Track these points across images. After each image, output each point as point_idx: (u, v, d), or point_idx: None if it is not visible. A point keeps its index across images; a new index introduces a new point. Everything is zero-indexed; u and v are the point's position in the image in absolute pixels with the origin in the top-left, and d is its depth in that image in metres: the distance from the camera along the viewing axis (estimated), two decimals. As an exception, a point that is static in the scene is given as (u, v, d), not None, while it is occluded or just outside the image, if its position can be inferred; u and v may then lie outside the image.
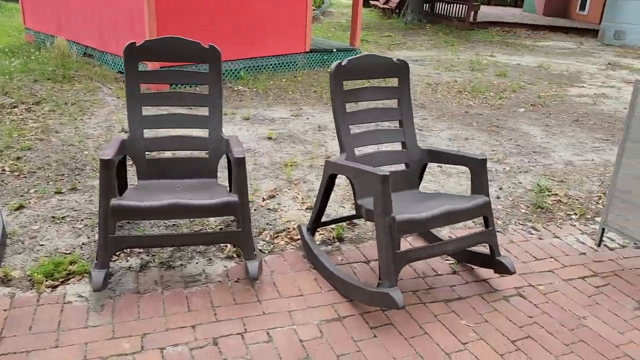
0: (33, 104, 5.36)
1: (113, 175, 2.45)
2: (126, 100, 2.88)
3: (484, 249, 2.86)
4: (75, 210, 3.34)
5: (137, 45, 2.82)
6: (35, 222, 3.17)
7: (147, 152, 2.92)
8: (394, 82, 3.05)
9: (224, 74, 6.90)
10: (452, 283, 2.83)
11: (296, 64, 7.97)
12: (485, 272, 2.91)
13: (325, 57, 8.34)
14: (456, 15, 15.85)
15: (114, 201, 2.43)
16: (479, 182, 2.72)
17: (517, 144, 5.24)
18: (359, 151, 2.92)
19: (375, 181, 2.39)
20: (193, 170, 2.99)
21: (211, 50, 2.92)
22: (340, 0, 23.53)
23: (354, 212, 3.43)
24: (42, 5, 8.18)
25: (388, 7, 18.07)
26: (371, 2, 19.91)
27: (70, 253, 2.88)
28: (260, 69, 7.49)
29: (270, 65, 7.63)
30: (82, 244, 2.98)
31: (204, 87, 2.98)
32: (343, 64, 2.81)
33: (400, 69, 3.00)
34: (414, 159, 3.02)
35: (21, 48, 7.94)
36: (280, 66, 7.76)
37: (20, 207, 3.32)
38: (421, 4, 16.46)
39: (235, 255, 2.97)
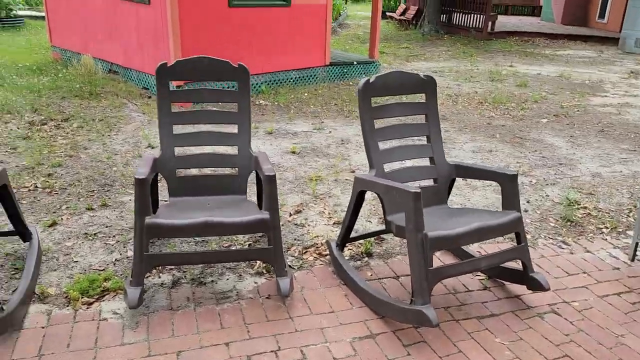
0: (62, 121, 5.48)
1: (148, 194, 2.49)
2: (158, 118, 2.93)
3: (515, 264, 2.84)
4: (107, 227, 3.39)
5: (168, 65, 2.88)
6: (69, 238, 3.23)
7: (177, 170, 2.96)
8: (418, 97, 3.06)
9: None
10: (483, 299, 2.81)
11: (316, 77, 8.03)
12: (517, 288, 2.88)
13: (345, 70, 8.38)
14: (474, 26, 15.82)
15: (148, 219, 2.46)
16: (510, 198, 2.70)
17: (542, 155, 5.19)
18: (388, 167, 2.92)
19: (407, 198, 2.39)
20: (223, 187, 3.02)
21: (240, 69, 2.97)
22: (356, 13, 23.68)
23: (381, 227, 3.43)
24: (68, 24, 8.38)
25: (405, 18, 18.12)
26: (388, 14, 20.01)
27: (103, 269, 2.92)
28: (281, 82, 7.56)
29: (291, 78, 7.69)
30: (115, 260, 3.03)
31: (231, 104, 3.02)
32: (371, 80, 2.83)
33: (428, 85, 3.01)
34: (442, 174, 3.01)
35: (48, 65, 8.13)
36: (301, 80, 7.82)
37: (54, 224, 3.38)
38: (438, 15, 16.47)
39: (264, 271, 2.99)
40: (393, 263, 3.15)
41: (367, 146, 2.83)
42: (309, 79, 7.95)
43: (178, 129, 2.97)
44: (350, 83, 8.30)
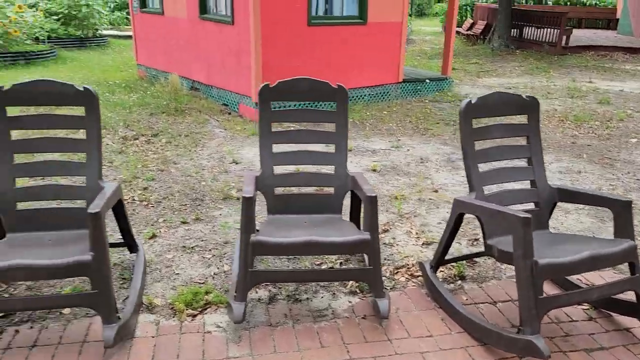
0: (151, 136, 5.77)
1: (253, 211, 2.57)
2: (259, 137, 3.02)
3: (625, 295, 2.69)
4: (202, 241, 3.52)
5: (270, 86, 2.97)
6: (168, 251, 3.38)
7: (276, 188, 3.04)
8: (518, 117, 3.00)
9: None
10: (590, 331, 2.68)
11: (389, 94, 8.03)
12: (626, 321, 2.73)
13: (418, 87, 8.34)
14: (547, 40, 15.31)
15: (254, 237, 2.53)
16: (624, 226, 2.57)
17: (636, 178, 4.92)
18: (487, 189, 2.87)
19: (516, 223, 2.33)
20: (319, 206, 3.06)
21: (340, 90, 3.02)
22: (420, 28, 23.54)
23: (472, 250, 3.36)
24: (153, 44, 8.86)
25: (472, 33, 17.82)
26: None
27: (203, 283, 3.03)
28: (355, 99, 7.62)
29: (365, 95, 7.74)
30: (213, 274, 3.13)
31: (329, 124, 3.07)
32: (472, 102, 2.80)
33: (530, 106, 2.94)
34: (544, 198, 2.92)
35: (135, 83, 8.62)
36: (374, 97, 7.85)
37: (153, 236, 3.55)
38: (508, 29, 16.08)
39: (358, 291, 2.99)
40: (488, 288, 3.07)
41: (467, 168, 2.79)
42: (381, 95, 7.97)
43: (277, 148, 3.04)
44: (423, 100, 8.23)
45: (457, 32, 19.30)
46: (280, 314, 2.77)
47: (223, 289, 2.97)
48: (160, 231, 3.64)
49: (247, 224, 2.56)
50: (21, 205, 2.75)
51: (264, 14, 6.26)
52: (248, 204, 2.55)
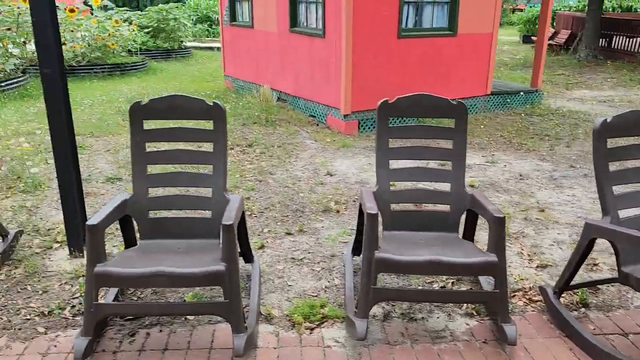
0: (246, 146, 5.94)
1: (377, 228, 2.55)
2: (376, 154, 3.02)
3: None
4: (309, 253, 3.56)
5: (389, 102, 2.96)
6: (278, 262, 3.44)
7: (392, 204, 3.02)
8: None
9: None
10: None
11: (476, 107, 7.83)
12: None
13: (508, 100, 8.08)
14: (640, 50, 14.40)
15: (378, 254, 2.52)
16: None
17: None
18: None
19: (667, 253, 2.17)
20: (434, 224, 3.01)
21: (460, 107, 2.97)
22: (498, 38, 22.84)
23: (592, 275, 3.18)
24: (241, 56, 9.16)
25: (555, 43, 17.08)
26: (532, 37, 19.02)
27: (316, 296, 3.05)
28: (441, 112, 7.48)
29: (451, 108, 7.58)
30: (325, 287, 3.15)
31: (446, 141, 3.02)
32: (608, 120, 2.65)
33: (670, 126, 2.75)
34: (685, 224, 2.71)
35: (224, 93, 8.94)
36: (461, 109, 7.67)
37: (262, 247, 3.63)
38: (597, 38, 15.27)
39: (474, 313, 2.90)
40: (616, 317, 2.88)
41: (600, 190, 2.65)
42: (469, 108, 7.76)
43: (393, 164, 3.03)
44: (512, 113, 7.96)
45: (538, 42, 18.58)
46: (397, 332, 2.74)
47: (337, 303, 2.97)
48: (267, 241, 3.72)
49: (372, 240, 2.55)
50: (152, 214, 2.89)
51: (355, 28, 6.30)
52: (373, 221, 2.54)
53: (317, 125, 7.02)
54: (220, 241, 2.84)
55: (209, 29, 20.49)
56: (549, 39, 17.62)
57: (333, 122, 6.86)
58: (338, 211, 4.27)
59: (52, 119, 3.16)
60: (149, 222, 2.84)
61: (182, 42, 15.01)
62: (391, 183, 3.02)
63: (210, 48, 16.91)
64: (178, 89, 9.65)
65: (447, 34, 7.17)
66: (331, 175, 5.12)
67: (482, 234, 3.70)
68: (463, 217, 3.04)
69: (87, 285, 2.40)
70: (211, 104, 2.83)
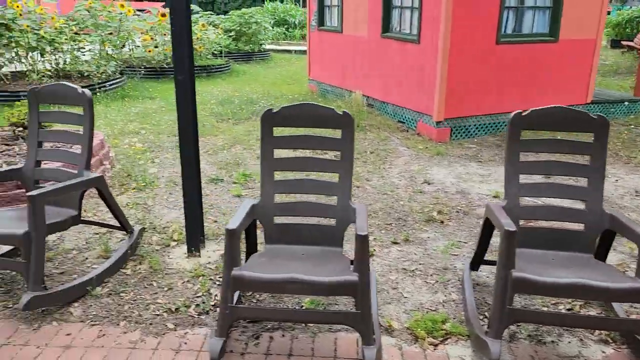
0: (339, 152, 5.94)
1: (515, 246, 2.45)
2: (505, 168, 2.90)
3: None
4: (420, 264, 3.49)
5: (522, 114, 2.84)
6: (390, 272, 3.40)
7: (520, 220, 2.89)
8: None
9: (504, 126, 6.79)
10: None
11: (574, 116, 7.43)
12: None
13: (611, 109, 7.62)
14: None
15: (515, 274, 2.41)
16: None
17: None
18: None
19: None
20: (565, 243, 2.86)
21: (599, 120, 2.79)
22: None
23: None
24: (328, 60, 9.22)
25: (650, 47, 15.95)
26: (624, 42, 17.87)
27: (435, 310, 2.98)
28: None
29: (547, 117, 7.24)
30: (443, 301, 3.07)
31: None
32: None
33: None
34: None
35: (308, 97, 9.03)
36: (558, 118, 7.31)
37: (371, 255, 3.60)
38: (700, 43, 14.13)
39: (610, 340, 2.72)
40: None
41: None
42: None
43: (523, 178, 2.90)
44: (614, 124, 7.49)
45: (628, 47, 17.44)
46: (527, 355, 2.61)
47: (458, 320, 2.89)
48: (375, 250, 3.69)
49: (508, 259, 2.45)
50: (277, 219, 2.93)
51: (453, 33, 6.16)
52: (511, 239, 2.44)
53: (407, 131, 6.93)
54: (342, 249, 2.85)
55: (286, 32, 20.85)
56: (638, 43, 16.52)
57: (424, 128, 6.74)
58: (442, 222, 4.17)
59: (182, 123, 3.28)
60: (274, 228, 2.89)
61: (262, 45, 15.35)
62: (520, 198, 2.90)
63: (288, 51, 17.19)
64: (263, 91, 9.85)
65: (548, 39, 6.86)
66: (429, 184, 5.01)
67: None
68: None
69: (223, 287, 2.46)
70: (341, 112, 2.83)
